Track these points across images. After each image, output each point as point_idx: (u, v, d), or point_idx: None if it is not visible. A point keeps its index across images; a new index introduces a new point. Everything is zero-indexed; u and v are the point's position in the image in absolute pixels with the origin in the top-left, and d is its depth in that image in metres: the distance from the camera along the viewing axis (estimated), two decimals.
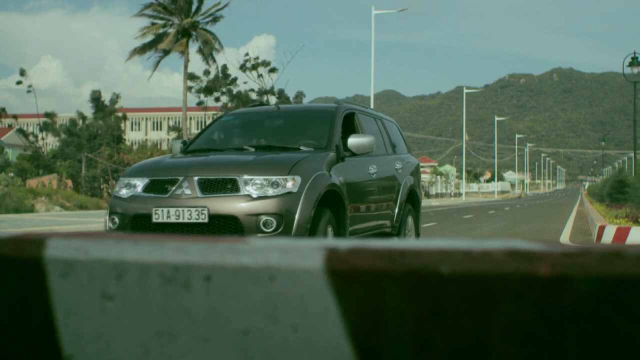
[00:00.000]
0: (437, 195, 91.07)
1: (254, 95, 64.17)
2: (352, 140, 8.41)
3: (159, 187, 7.51)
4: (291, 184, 7.27)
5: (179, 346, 1.19)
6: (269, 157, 7.85)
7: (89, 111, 60.41)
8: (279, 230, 7.10)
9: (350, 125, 9.25)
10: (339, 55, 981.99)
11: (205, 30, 48.74)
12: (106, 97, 60.26)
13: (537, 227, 23.03)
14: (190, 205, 7.18)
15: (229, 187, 7.26)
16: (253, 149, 8.43)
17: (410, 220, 10.29)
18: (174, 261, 1.18)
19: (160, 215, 7.29)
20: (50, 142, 66.28)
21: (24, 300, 1.30)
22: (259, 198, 7.14)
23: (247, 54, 58.59)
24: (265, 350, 1.15)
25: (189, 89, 54.10)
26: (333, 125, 8.59)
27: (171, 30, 47.82)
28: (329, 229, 7.70)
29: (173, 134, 77.25)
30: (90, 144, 54.57)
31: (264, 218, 7.11)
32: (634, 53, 30.76)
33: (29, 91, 56.29)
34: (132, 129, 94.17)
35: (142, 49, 48.16)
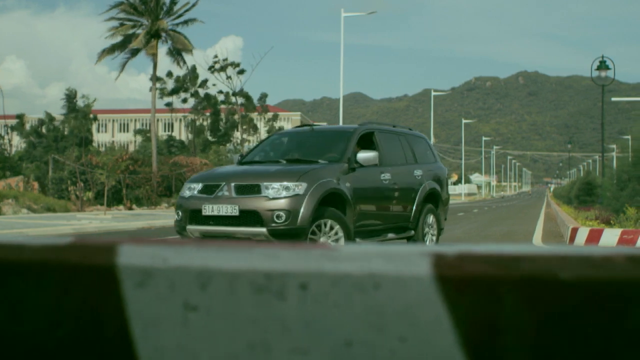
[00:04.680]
0: None
1: (221, 97, 63.99)
2: (360, 155, 10.91)
3: (209, 190, 10.24)
4: (299, 188, 9.79)
5: (274, 359, 1.12)
6: (286, 168, 10.59)
7: (57, 111, 59.73)
8: (288, 221, 9.62)
9: (369, 142, 11.86)
10: (307, 58, 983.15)
11: (176, 31, 48.41)
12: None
13: (507, 229, 23.15)
14: (227, 203, 9.89)
15: (255, 190, 9.87)
16: (285, 162, 11.24)
17: (431, 217, 12.72)
18: (265, 268, 1.11)
19: (208, 209, 10.02)
20: (15, 144, 65.56)
21: (96, 311, 1.23)
22: (274, 198, 9.71)
23: (216, 56, 58.43)
24: None
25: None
26: (348, 143, 11.15)
27: (140, 32, 47.43)
28: (329, 222, 10.06)
29: (140, 137, 76.87)
30: (57, 146, 54.00)
31: (277, 212, 9.65)
32: (602, 57, 31.08)
33: None
34: (98, 131, 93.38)
35: (112, 50, 47.71)
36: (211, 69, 58.45)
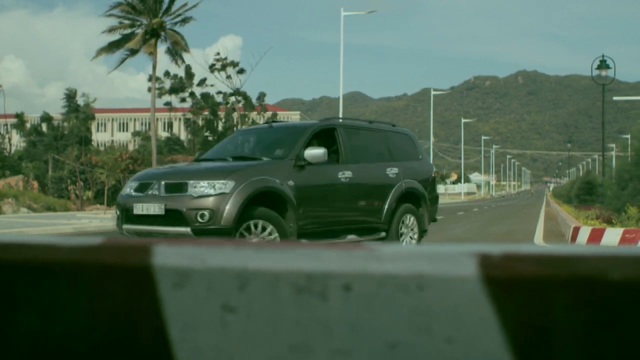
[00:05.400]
0: None
1: (220, 97, 63.95)
2: (307, 152, 10.41)
3: (142, 188, 10.09)
4: (225, 186, 9.47)
5: None
6: (216, 166, 10.41)
7: (57, 111, 59.68)
8: (211, 221, 9.34)
9: (331, 139, 11.42)
10: (306, 57, 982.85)
11: (174, 30, 48.36)
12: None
13: (508, 228, 23.14)
14: (155, 201, 9.72)
15: (181, 189, 9.64)
16: (231, 159, 10.94)
17: (411, 218, 12.16)
18: (306, 269, 1.09)
19: (138, 208, 9.88)
20: (15, 143, 65.50)
21: (131, 313, 1.20)
22: (198, 197, 9.45)
23: (218, 53, 58.39)
24: None
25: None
26: (298, 140, 10.70)
27: (139, 31, 47.37)
28: (260, 222, 9.70)
29: (139, 137, 76.81)
30: (57, 145, 53.95)
31: (200, 211, 9.37)
32: (602, 56, 31.07)
33: None
34: (98, 130, 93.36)
35: (109, 48, 47.65)
36: (212, 67, 58.41)
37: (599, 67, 30.96)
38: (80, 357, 1.25)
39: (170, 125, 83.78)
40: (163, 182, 9.82)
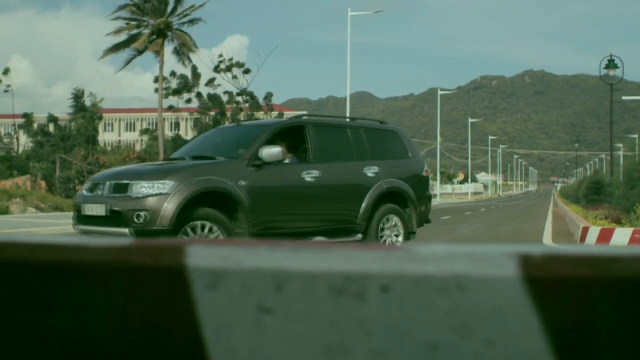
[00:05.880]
0: None
1: (226, 97, 63.97)
2: (263, 151, 10.12)
3: (93, 189, 10.06)
4: (165, 187, 9.34)
5: None
6: (159, 166, 10.46)
7: (64, 111, 59.82)
8: (149, 222, 9.22)
9: (299, 137, 11.09)
10: (313, 57, 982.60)
11: (181, 31, 48.42)
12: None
13: (516, 228, 23.12)
14: (100, 202, 9.66)
15: (123, 189, 9.56)
16: (189, 159, 10.85)
17: (395, 219, 11.69)
18: (344, 270, 1.08)
19: (86, 209, 9.85)
20: (22, 143, 65.64)
21: (165, 315, 1.19)
22: (137, 198, 9.34)
23: (221, 56, 58.43)
24: None
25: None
26: (257, 138, 10.41)
27: (146, 31, 47.44)
28: (207, 224, 9.53)
29: (146, 137, 76.86)
30: (65, 145, 54.06)
31: (138, 212, 9.26)
32: (611, 55, 31.00)
33: (7, 91, 55.80)
34: (105, 130, 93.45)
35: (116, 48, 47.73)
36: (217, 68, 58.46)
37: (608, 67, 30.89)
38: (113, 359, 1.24)
39: (177, 126, 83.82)
40: (109, 183, 9.78)
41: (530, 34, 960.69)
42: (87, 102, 58.05)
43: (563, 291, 1.02)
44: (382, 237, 11.45)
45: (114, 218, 9.42)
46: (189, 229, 9.42)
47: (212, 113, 65.75)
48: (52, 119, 58.64)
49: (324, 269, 1.09)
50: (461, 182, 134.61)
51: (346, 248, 1.10)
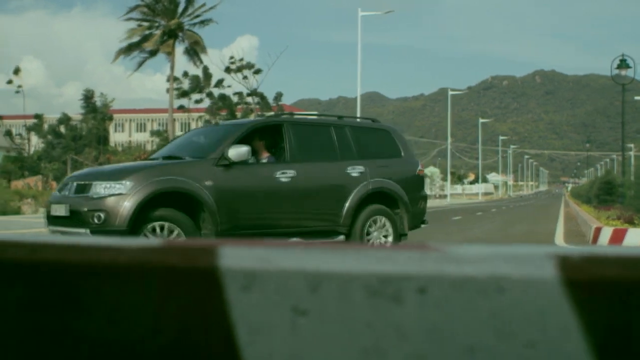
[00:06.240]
0: None
1: (236, 98, 64.06)
2: (230, 151, 9.93)
3: (62, 188, 10.10)
4: (122, 187, 9.26)
5: None
6: (120, 167, 10.53)
7: (74, 111, 59.97)
8: (105, 223, 9.12)
9: (277, 136, 10.88)
10: (323, 57, 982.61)
11: (192, 31, 48.51)
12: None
13: (528, 228, 23.05)
14: (63, 202, 9.61)
15: (84, 189, 9.52)
16: (160, 159, 10.77)
17: (383, 220, 11.33)
18: (380, 271, 1.06)
19: (53, 209, 9.82)
20: (34, 144, 65.81)
21: (198, 317, 1.18)
22: (95, 198, 9.29)
23: (232, 57, 58.53)
24: None
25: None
26: (226, 138, 10.27)
27: (157, 32, 47.55)
28: (166, 225, 9.39)
29: (157, 137, 76.95)
30: (76, 145, 54.19)
31: (95, 213, 9.18)
32: (622, 55, 30.85)
33: (17, 91, 55.98)
34: (115, 130, 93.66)
35: (128, 49, 47.88)
36: (227, 69, 58.55)
37: (619, 67, 30.73)
38: None
39: (188, 126, 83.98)
40: (74, 183, 9.76)
41: (541, 34, 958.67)
42: (98, 102, 58.17)
43: (602, 292, 1.00)
44: (369, 239, 11.11)
45: (74, 218, 9.37)
46: (147, 230, 9.31)
47: (223, 113, 65.85)
48: (65, 119, 58.79)
49: (360, 269, 1.07)
50: (471, 182, 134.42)
51: (382, 249, 1.09)
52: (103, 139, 55.72)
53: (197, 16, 48.86)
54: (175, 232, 9.37)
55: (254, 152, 10.68)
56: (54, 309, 1.26)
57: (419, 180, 12.23)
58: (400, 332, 1.07)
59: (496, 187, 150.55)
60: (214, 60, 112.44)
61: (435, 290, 1.05)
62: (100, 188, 9.32)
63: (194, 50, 48.91)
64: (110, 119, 60.18)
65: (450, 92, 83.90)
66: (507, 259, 1.03)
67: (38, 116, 60.21)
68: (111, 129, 72.53)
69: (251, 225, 10.05)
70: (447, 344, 1.05)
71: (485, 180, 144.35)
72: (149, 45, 46.79)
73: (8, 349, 1.31)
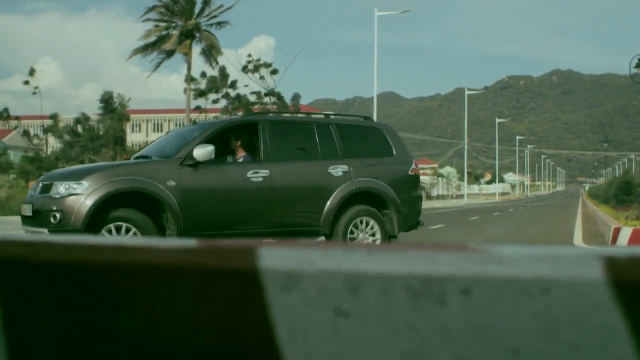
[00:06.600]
0: (438, 197, 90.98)
1: (253, 98, 64.16)
2: (195, 151, 9.81)
3: (34, 189, 10.17)
4: (79, 188, 9.30)
5: None
6: (80, 167, 10.71)
7: (91, 112, 60.25)
8: (63, 223, 9.15)
9: (253, 136, 10.69)
10: (339, 57, 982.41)
11: (209, 32, 48.63)
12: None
13: (546, 229, 22.93)
14: (29, 202, 9.80)
15: (47, 190, 9.56)
16: (133, 159, 10.98)
17: (371, 222, 10.94)
18: (422, 273, 1.06)
19: (23, 210, 10.02)
20: (51, 144, 66.16)
21: (237, 318, 1.17)
22: (54, 198, 9.35)
23: (250, 55, 58.62)
24: None
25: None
26: (195, 137, 10.18)
27: (175, 32, 47.71)
28: (124, 225, 9.35)
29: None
30: (93, 145, 54.44)
31: (53, 213, 9.25)
32: None
33: (35, 93, 56.29)
34: (132, 131, 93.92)
35: (145, 49, 48.05)
36: (245, 69, 58.65)
37: (638, 66, 30.55)
38: None
39: None
40: (41, 184, 9.85)
41: (558, 33, 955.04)
42: (116, 103, 58.47)
43: None
44: (352, 240, 10.73)
45: (37, 218, 9.47)
46: (105, 231, 9.29)
47: (240, 114, 65.93)
48: (83, 119, 59.07)
49: (402, 271, 1.06)
50: (488, 183, 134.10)
51: (424, 249, 1.08)
52: (120, 140, 55.93)
53: (214, 17, 49.01)
54: (132, 233, 9.33)
55: (231, 152, 10.64)
56: (90, 308, 1.26)
57: (412, 180, 11.73)
58: (443, 334, 1.06)
59: (513, 187, 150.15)
60: (231, 60, 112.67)
61: (479, 292, 1.04)
62: (60, 188, 9.35)
63: (211, 51, 49.05)
64: (128, 119, 60.40)
65: (467, 92, 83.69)
66: (552, 260, 1.02)
67: (53, 116, 60.51)
68: (128, 129, 72.76)
69: (218, 225, 9.87)
70: (491, 345, 1.04)
71: (502, 181, 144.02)
72: (168, 46, 46.97)
73: (46, 349, 1.32)
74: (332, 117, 12.04)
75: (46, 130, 60.81)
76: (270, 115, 11.95)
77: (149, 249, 1.22)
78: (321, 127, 11.09)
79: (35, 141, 60.46)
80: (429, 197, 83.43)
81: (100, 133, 57.02)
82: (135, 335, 1.24)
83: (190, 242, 1.21)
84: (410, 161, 11.81)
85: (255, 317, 1.15)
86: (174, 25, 48.25)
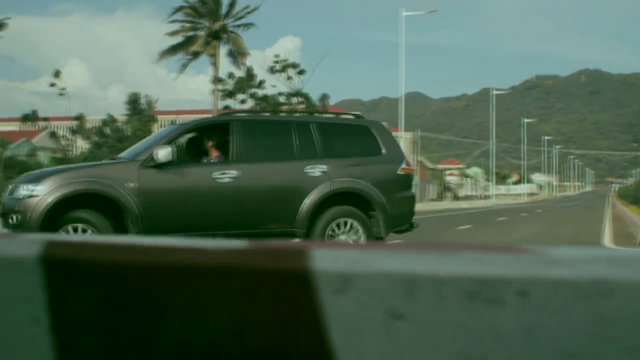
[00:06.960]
0: (465, 198, 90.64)
1: (281, 98, 64.23)
2: (155, 151, 9.73)
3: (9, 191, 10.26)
4: (36, 190, 9.46)
5: None
6: (43, 170, 11.05)
7: (118, 112, 60.61)
8: (20, 224, 9.32)
9: (226, 136, 10.37)
10: (365, 57, 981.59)
11: (235, 33, 48.76)
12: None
13: (575, 229, 22.78)
14: (2, 203, 10.03)
15: (14, 191, 9.74)
16: (106, 160, 11.28)
17: (354, 223, 10.50)
18: (477, 274, 1.04)
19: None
20: (79, 145, 66.60)
21: (288, 319, 1.16)
22: (15, 200, 9.57)
23: (277, 55, 58.72)
24: None
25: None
26: (161, 138, 10.19)
27: (201, 33, 47.88)
28: (80, 226, 9.39)
29: None
30: (122, 146, 54.76)
31: (12, 214, 9.48)
32: None
33: (61, 94, 56.72)
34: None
35: (172, 50, 48.27)
36: (272, 69, 58.73)
37: None
38: None
39: None
40: (13, 185, 10.07)
41: (586, 33, 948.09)
42: (143, 104, 58.78)
43: None
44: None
45: (4, 218, 9.77)
46: (62, 231, 9.24)
47: (267, 113, 65.96)
48: (110, 120, 59.42)
49: (457, 272, 1.05)
50: (515, 183, 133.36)
51: (478, 251, 1.07)
52: None
53: (240, 18, 49.12)
54: (88, 234, 9.23)
55: (204, 152, 10.51)
56: (132, 309, 1.26)
57: (402, 179, 11.12)
58: (498, 336, 1.04)
59: (541, 187, 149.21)
60: (259, 61, 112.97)
61: (536, 293, 1.02)
62: (22, 190, 9.54)
63: (237, 53, 49.18)
64: (155, 120, 60.71)
65: (493, 92, 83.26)
66: (608, 261, 1.00)
67: (78, 117, 60.92)
68: (155, 129, 73.12)
69: (180, 227, 9.58)
70: (547, 348, 1.03)
71: (529, 181, 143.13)
72: (195, 48, 47.15)
73: (89, 348, 1.32)
74: (316, 115, 11.82)
75: (74, 131, 61.18)
76: (245, 114, 11.67)
77: (195, 250, 1.21)
78: (300, 126, 10.73)
79: (63, 142, 60.76)
80: (456, 198, 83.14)
81: (128, 134, 57.27)
82: (178, 335, 1.23)
83: (239, 243, 1.19)
84: (401, 160, 11.24)
85: (306, 319, 1.13)
86: (200, 25, 48.41)
